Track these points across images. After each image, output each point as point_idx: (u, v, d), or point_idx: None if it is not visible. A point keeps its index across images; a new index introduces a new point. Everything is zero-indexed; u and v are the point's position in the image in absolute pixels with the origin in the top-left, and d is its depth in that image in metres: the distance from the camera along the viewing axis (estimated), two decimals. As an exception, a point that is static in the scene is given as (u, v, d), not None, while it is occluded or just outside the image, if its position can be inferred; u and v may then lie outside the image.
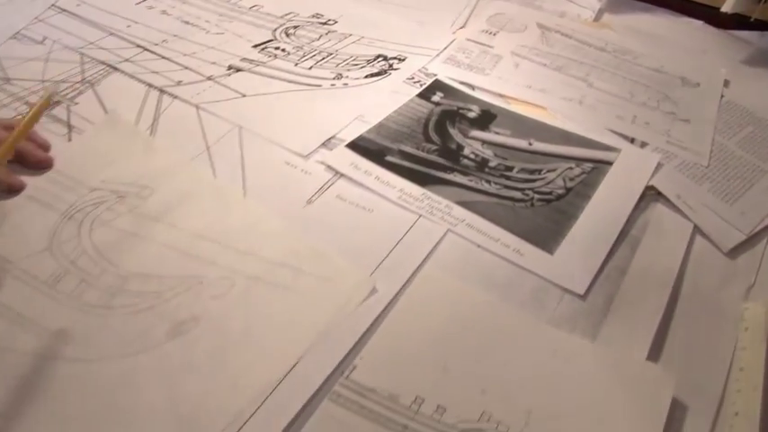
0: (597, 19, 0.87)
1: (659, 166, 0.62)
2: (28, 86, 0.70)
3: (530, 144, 0.64)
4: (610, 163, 0.62)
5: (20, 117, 0.64)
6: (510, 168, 0.61)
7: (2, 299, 0.49)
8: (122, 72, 0.72)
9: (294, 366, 0.45)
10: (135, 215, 0.55)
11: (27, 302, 0.48)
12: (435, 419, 0.43)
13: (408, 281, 0.51)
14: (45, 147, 0.61)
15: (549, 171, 0.61)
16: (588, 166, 0.62)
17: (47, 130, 0.64)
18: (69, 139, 0.64)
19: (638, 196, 0.58)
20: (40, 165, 0.60)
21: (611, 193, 0.59)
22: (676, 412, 0.44)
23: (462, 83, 0.72)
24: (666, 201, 0.59)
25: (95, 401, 0.43)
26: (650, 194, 0.60)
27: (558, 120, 0.67)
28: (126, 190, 0.57)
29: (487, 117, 0.67)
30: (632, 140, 0.65)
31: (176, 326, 0.47)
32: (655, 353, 0.47)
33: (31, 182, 0.58)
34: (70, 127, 0.65)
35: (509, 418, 0.43)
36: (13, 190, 0.57)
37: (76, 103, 0.68)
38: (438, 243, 0.54)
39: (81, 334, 0.46)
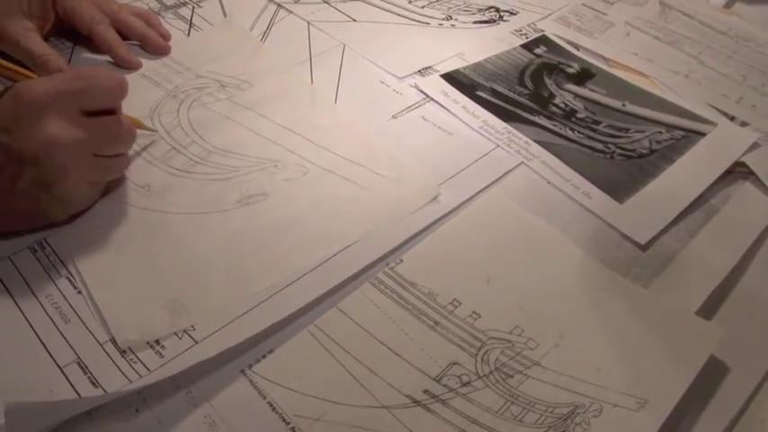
0: (728, 6, 0.84)
1: (755, 145, 0.60)
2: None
3: (623, 105, 0.63)
4: (702, 134, 0.60)
5: (147, 9, 0.70)
6: (597, 123, 0.61)
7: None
8: (246, -14, 0.77)
9: (343, 249, 0.47)
10: (231, 102, 0.59)
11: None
12: (468, 323, 0.44)
13: (471, 198, 0.52)
14: (165, 36, 0.67)
15: (637, 131, 0.60)
16: (679, 133, 0.60)
17: (171, 24, 0.70)
18: (188, 35, 0.69)
19: (724, 168, 0.57)
20: (158, 50, 0.65)
21: (696, 160, 0.58)
22: (716, 371, 0.43)
23: (568, 42, 0.72)
24: (756, 180, 0.57)
25: (164, 244, 0.47)
26: (740, 171, 0.58)
27: (658, 88, 0.66)
28: (228, 81, 0.62)
29: (586, 75, 0.67)
30: (732, 119, 0.63)
31: (246, 197, 0.51)
32: (707, 311, 0.46)
33: (147, 63, 0.64)
34: (191, 25, 0.70)
35: (540, 336, 0.43)
36: (131, 67, 0.63)
37: (201, 7, 0.73)
38: (509, 172, 0.55)
39: (163, 190, 0.51)
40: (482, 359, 0.42)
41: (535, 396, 0.40)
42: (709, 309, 0.46)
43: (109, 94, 0.47)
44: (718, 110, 0.64)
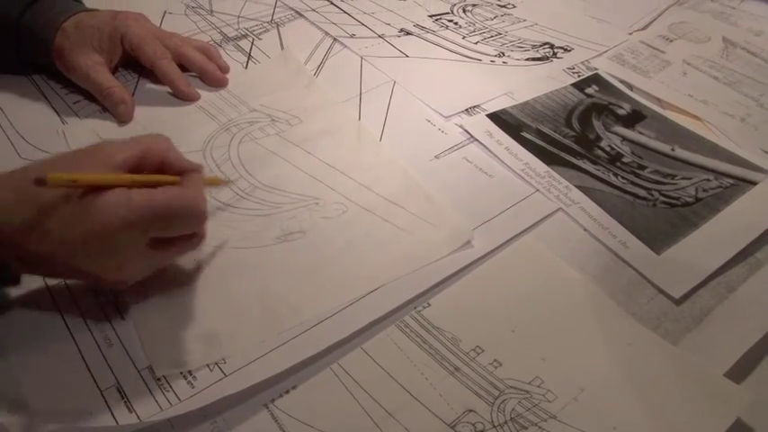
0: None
1: (810, 197, 0.58)
2: (225, 19, 0.81)
3: (672, 150, 0.62)
4: (753, 183, 0.59)
5: (211, 43, 0.74)
6: (643, 167, 0.60)
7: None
8: (306, 19, 0.80)
9: (374, 290, 0.49)
10: (280, 138, 0.62)
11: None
12: (488, 370, 0.44)
13: (504, 244, 0.52)
14: (224, 69, 0.71)
15: (683, 178, 0.59)
16: (728, 181, 0.59)
17: (230, 57, 0.73)
18: (246, 67, 0.72)
19: (773, 221, 0.55)
20: (216, 83, 0.69)
21: (744, 211, 0.56)
22: (743, 436, 0.42)
23: (621, 81, 0.71)
24: (808, 235, 0.55)
25: (205, 277, 0.49)
26: (791, 224, 0.56)
27: (712, 133, 0.65)
28: (279, 116, 0.65)
29: (636, 117, 0.66)
30: (788, 167, 0.61)
31: (285, 234, 0.53)
32: (738, 373, 0.45)
33: (205, 95, 0.68)
34: (250, 57, 0.74)
35: (560, 388, 0.43)
36: (189, 99, 0.67)
37: (260, 39, 0.77)
38: (545, 218, 0.55)
39: (208, 224, 0.53)
40: (498, 408, 0.42)
41: (547, 451, 0.40)
42: (740, 371, 0.45)
43: (189, 224, 0.45)
44: (773, 157, 0.62)
